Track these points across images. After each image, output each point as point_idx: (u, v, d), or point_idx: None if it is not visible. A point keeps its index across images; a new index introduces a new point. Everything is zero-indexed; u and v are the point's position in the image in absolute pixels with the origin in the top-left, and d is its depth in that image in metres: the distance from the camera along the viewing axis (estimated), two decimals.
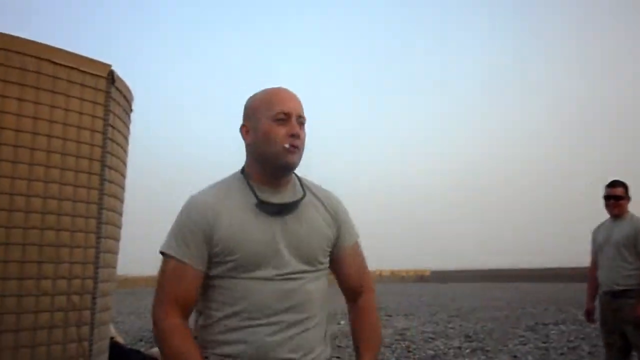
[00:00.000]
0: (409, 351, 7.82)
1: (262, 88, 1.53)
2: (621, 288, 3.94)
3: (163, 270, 1.43)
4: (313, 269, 1.49)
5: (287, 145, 1.43)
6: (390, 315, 13.91)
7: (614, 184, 4.16)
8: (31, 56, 2.28)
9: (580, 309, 14.23)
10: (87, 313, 2.42)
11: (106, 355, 2.74)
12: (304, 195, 1.52)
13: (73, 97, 2.41)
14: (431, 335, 9.57)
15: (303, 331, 1.44)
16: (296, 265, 1.45)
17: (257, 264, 1.41)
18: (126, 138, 2.91)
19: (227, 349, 1.39)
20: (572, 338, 8.84)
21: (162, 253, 1.43)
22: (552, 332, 9.78)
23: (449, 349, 8.02)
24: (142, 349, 6.74)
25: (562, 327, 10.57)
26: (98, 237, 2.48)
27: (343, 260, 1.58)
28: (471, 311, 14.73)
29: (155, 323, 1.38)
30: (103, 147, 2.53)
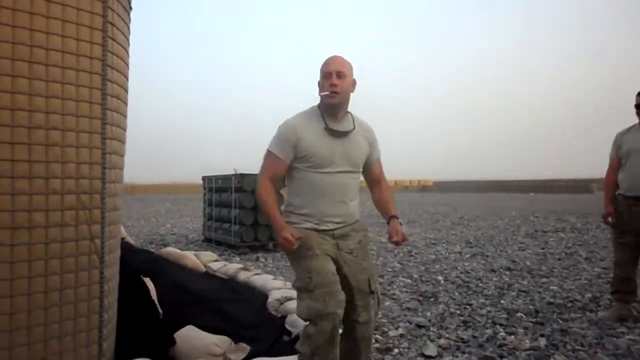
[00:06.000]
0: (410, 255, 8.07)
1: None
2: None
3: (268, 158, 2.53)
4: (354, 169, 2.60)
5: (328, 92, 2.45)
6: None
7: None
8: None
9: (581, 218, 14.48)
10: (97, 212, 2.47)
11: (118, 253, 2.83)
12: (354, 127, 2.57)
13: None
14: (433, 241, 9.84)
15: (343, 204, 2.56)
16: (344, 167, 2.53)
17: (323, 165, 2.49)
18: (127, 37, 2.81)
19: (304, 210, 2.54)
20: (569, 244, 9.07)
21: (269, 150, 2.52)
22: (551, 239, 10.02)
23: (450, 253, 8.27)
24: (152, 251, 6.97)
25: (561, 234, 10.82)
26: (103, 138, 2.46)
27: (371, 165, 2.72)
28: (473, 219, 15.02)
29: (258, 182, 2.53)
30: (103, 45, 2.45)
